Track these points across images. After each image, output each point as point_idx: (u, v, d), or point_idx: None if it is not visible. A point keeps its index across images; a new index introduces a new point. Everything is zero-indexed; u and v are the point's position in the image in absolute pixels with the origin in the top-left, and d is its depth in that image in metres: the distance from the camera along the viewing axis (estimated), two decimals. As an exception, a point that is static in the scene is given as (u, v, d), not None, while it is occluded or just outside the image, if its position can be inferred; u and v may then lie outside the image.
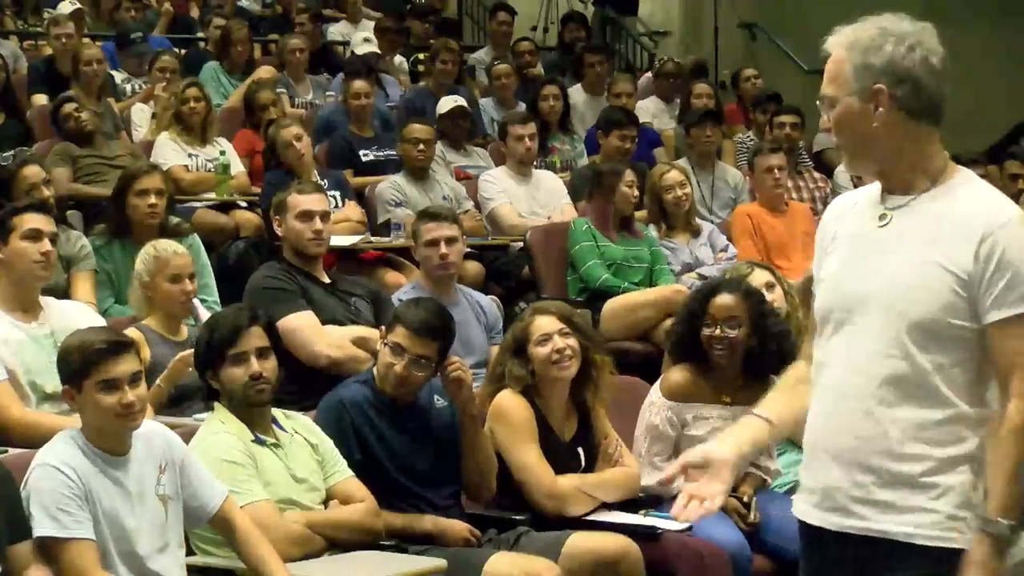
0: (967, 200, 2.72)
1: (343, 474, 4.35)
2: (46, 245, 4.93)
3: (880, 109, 2.73)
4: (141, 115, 8.85)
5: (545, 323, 4.77)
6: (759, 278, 5.46)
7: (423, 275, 5.83)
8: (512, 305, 6.80)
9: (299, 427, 4.38)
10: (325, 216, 5.58)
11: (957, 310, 2.68)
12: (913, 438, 2.71)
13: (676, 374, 4.89)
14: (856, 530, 2.78)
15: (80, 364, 3.71)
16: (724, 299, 4.90)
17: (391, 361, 4.50)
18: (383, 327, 4.65)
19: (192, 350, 4.52)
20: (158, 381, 4.83)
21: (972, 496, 2.70)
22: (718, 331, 4.87)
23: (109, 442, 3.75)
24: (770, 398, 3.00)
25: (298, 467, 4.27)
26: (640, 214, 7.62)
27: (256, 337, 4.27)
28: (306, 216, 5.49)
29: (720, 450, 2.83)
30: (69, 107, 7.69)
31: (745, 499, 4.89)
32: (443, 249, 5.65)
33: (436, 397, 4.66)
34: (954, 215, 2.71)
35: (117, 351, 3.73)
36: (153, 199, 6.00)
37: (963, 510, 2.70)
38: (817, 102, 2.85)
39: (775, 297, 5.43)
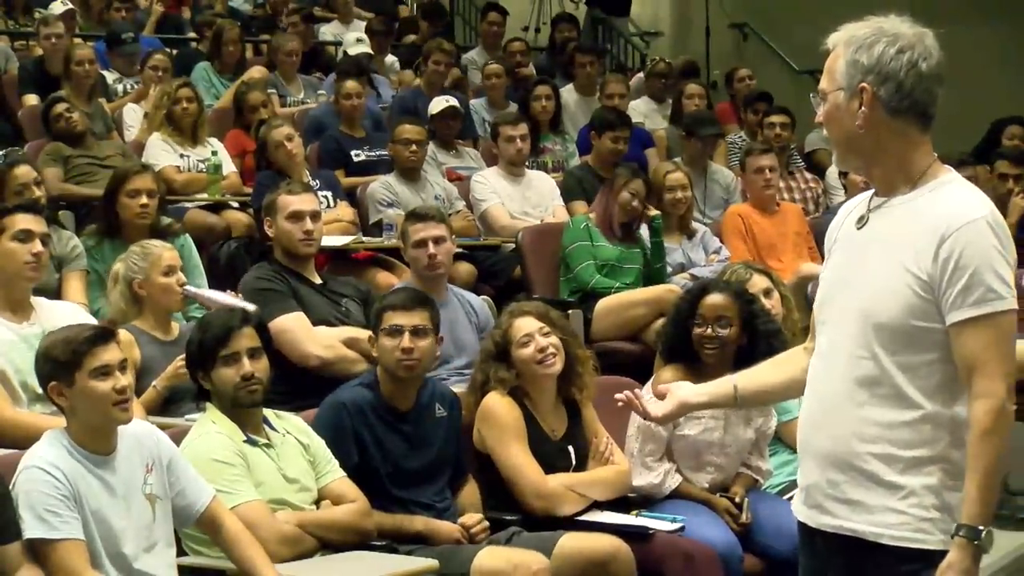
0: (937, 202, 2.75)
1: (335, 474, 4.35)
2: (37, 246, 4.92)
3: (863, 107, 2.76)
4: (132, 115, 8.84)
5: (525, 324, 4.79)
6: (758, 283, 5.46)
7: (413, 275, 5.82)
8: (503, 305, 6.79)
9: (290, 427, 4.39)
10: (315, 216, 5.58)
11: (921, 312, 2.71)
12: (881, 439, 2.75)
13: (667, 374, 4.90)
14: (830, 528, 2.84)
15: (70, 355, 3.71)
16: (715, 299, 4.92)
17: (394, 343, 4.52)
18: (372, 329, 4.67)
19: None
20: (154, 383, 4.84)
21: (948, 497, 2.73)
22: (709, 330, 4.88)
23: (96, 441, 3.76)
24: (750, 369, 3.17)
25: (289, 467, 4.27)
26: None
27: (247, 338, 4.28)
28: (296, 217, 5.49)
29: (683, 390, 3.16)
30: (60, 107, 7.68)
31: (737, 500, 4.89)
32: (431, 249, 5.65)
33: (437, 406, 4.68)
34: (922, 217, 2.74)
35: (106, 338, 3.77)
36: (144, 199, 5.99)
37: (934, 511, 2.73)
38: (811, 96, 2.89)
39: (773, 303, 5.44)
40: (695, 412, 4.90)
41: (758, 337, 4.91)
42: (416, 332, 4.54)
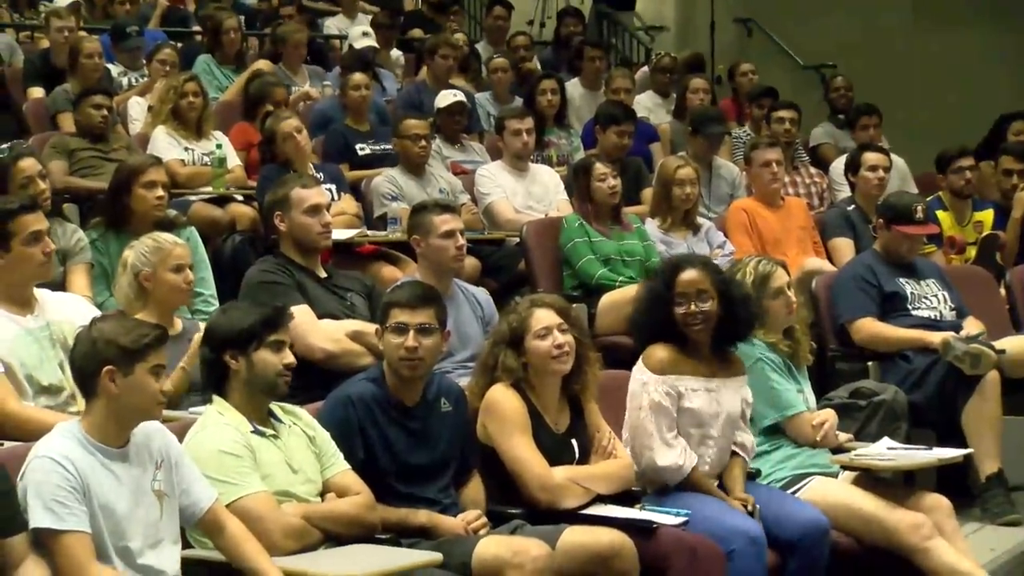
0: None
1: (340, 467, 4.35)
2: (49, 245, 4.90)
3: None
4: (137, 108, 8.83)
5: (544, 316, 4.77)
6: (783, 277, 5.43)
7: (426, 267, 5.73)
8: (507, 300, 6.79)
9: (296, 419, 4.39)
10: (327, 209, 5.62)
11: None
12: None
13: (660, 351, 4.89)
14: None
15: (140, 346, 3.75)
16: (690, 274, 4.90)
17: (398, 342, 4.52)
18: (379, 324, 4.67)
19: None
20: (180, 364, 4.84)
21: None
22: (692, 307, 4.86)
23: (113, 434, 3.77)
24: None
25: (295, 459, 4.27)
26: (641, 208, 7.66)
27: (288, 332, 4.33)
28: (315, 210, 5.52)
29: None
30: (102, 99, 7.70)
31: (749, 508, 4.85)
32: (460, 240, 5.66)
33: (443, 400, 4.67)
34: None
35: (166, 340, 3.86)
36: (160, 191, 6.01)
37: None
38: None
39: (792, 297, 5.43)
40: (691, 384, 4.92)
41: (735, 304, 4.91)
42: (421, 330, 4.53)
